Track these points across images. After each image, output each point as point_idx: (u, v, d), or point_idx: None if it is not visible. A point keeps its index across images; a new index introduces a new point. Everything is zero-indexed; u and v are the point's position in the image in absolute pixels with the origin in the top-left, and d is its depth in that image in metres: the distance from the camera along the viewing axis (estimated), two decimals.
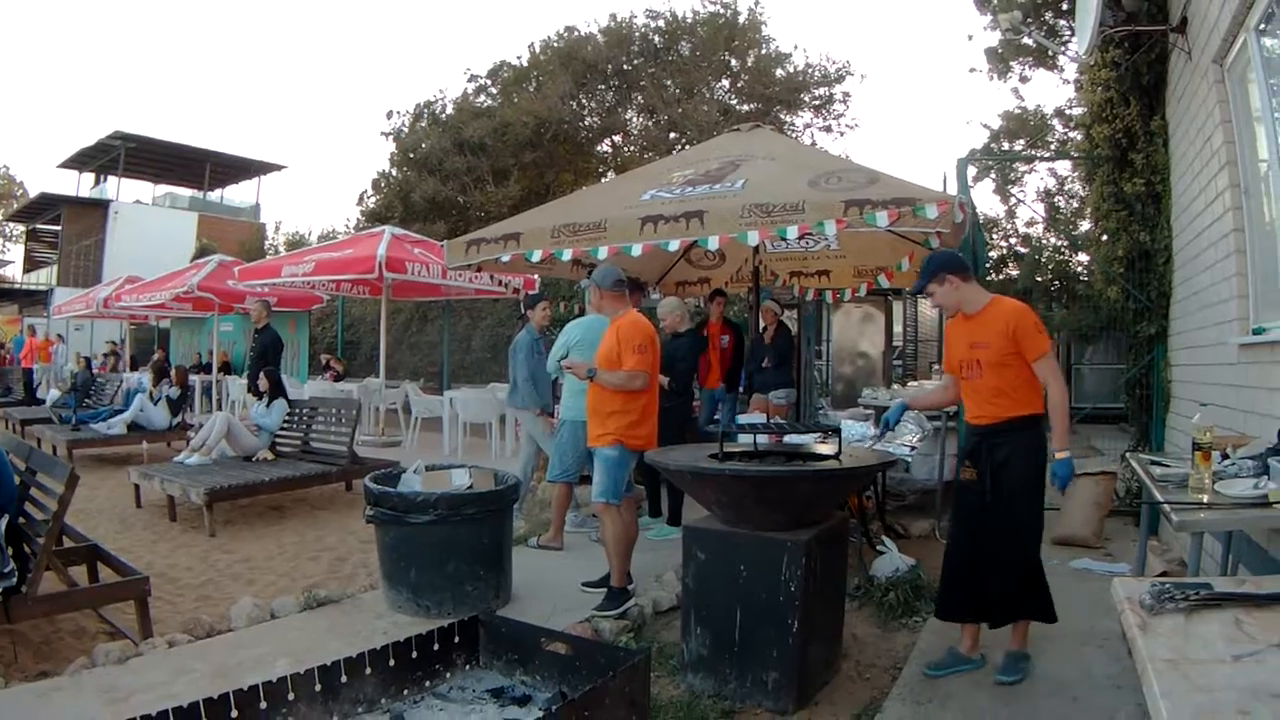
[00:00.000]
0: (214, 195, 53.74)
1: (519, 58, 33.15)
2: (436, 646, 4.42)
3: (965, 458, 6.04)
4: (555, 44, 31.77)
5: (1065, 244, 23.46)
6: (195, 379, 22.01)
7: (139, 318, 29.38)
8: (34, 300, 45.67)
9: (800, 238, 8.76)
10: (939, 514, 9.47)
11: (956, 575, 5.97)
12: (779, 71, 31.83)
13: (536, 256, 8.83)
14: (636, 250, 8.21)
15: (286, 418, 13.12)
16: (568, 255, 8.69)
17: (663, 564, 7.68)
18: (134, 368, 26.97)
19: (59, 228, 48.60)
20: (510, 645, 4.55)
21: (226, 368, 23.30)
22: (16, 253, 60.12)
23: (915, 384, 13.49)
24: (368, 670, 4.11)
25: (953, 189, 10.08)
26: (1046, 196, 26.22)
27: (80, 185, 51.02)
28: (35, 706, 5.15)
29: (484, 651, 4.63)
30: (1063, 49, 18.92)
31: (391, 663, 4.19)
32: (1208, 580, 3.00)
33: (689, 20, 31.44)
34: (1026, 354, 5.62)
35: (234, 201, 55.00)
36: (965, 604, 5.97)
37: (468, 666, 4.58)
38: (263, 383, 13.07)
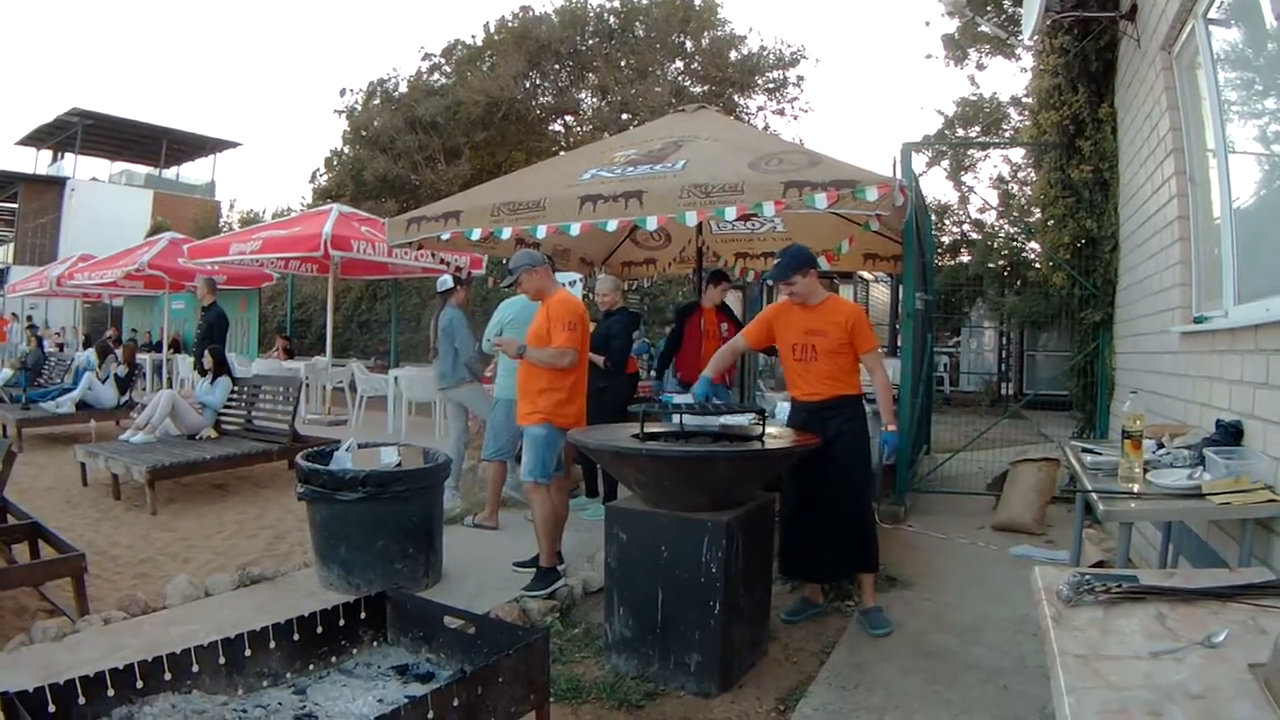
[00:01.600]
0: (170, 173, 53.55)
1: (473, 37, 33.31)
2: (342, 622, 4.41)
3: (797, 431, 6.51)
4: (510, 23, 31.65)
5: (1018, 230, 23.49)
6: (145, 357, 21.86)
7: (92, 296, 29.19)
8: None
9: (743, 219, 8.73)
10: (878, 497, 9.44)
11: (797, 537, 6.54)
12: (733, 54, 31.92)
13: (476, 235, 8.77)
14: (575, 229, 8.17)
15: (231, 395, 13.02)
16: (507, 234, 8.62)
17: (596, 544, 7.58)
18: (87, 346, 26.76)
19: (15, 205, 48.27)
20: (416, 623, 4.53)
21: (177, 346, 23.13)
22: None
23: None
24: (272, 644, 4.08)
25: (900, 174, 10.06)
26: (1000, 183, 26.25)
27: (38, 162, 50.74)
28: None
29: (391, 628, 4.62)
30: (1016, 36, 18.93)
31: (296, 637, 4.18)
32: (1134, 572, 2.94)
33: (644, 1, 31.43)
34: (860, 347, 6.49)
35: (189, 179, 54.81)
36: (805, 565, 6.68)
37: (375, 643, 4.57)
38: (207, 360, 12.96)
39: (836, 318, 6.45)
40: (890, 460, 7.10)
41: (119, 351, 17.13)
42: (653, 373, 11.41)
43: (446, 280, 10.61)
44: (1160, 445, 5.06)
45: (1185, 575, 3.14)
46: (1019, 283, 22.07)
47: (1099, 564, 6.82)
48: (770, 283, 6.53)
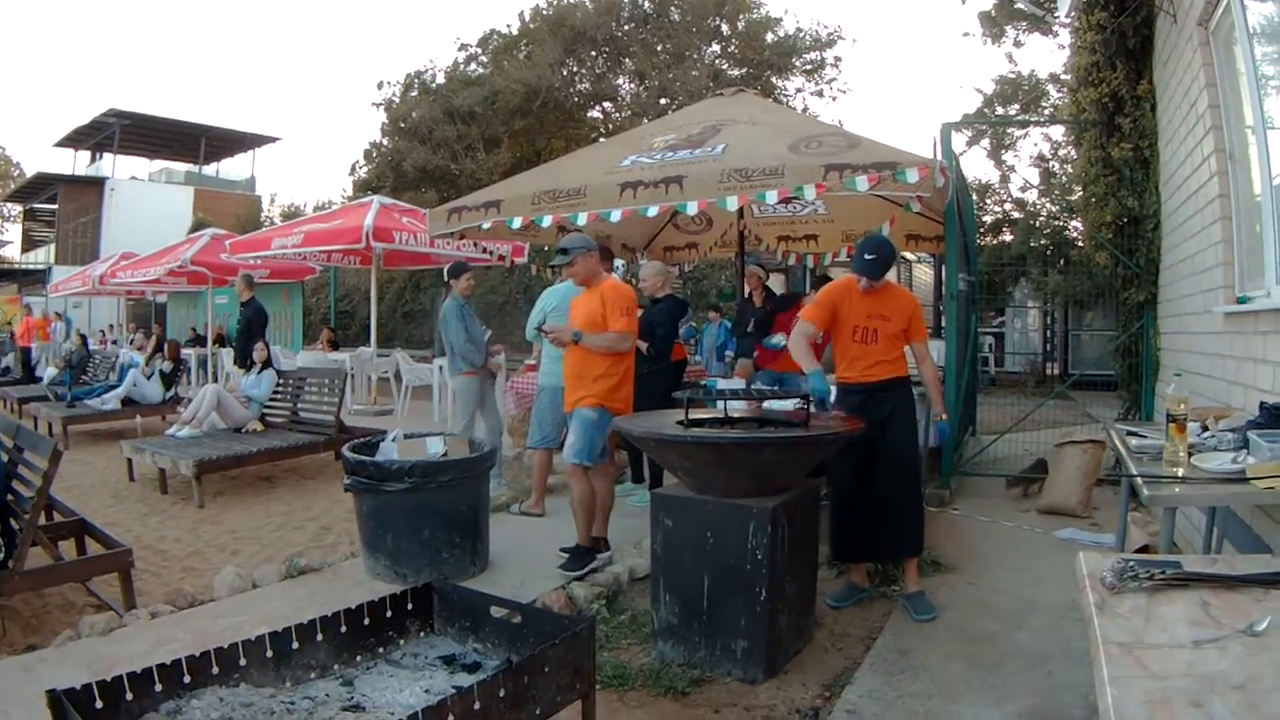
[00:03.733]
0: (209, 169, 53.83)
1: (509, 26, 33.40)
2: (389, 613, 4.44)
3: (850, 414, 6.45)
4: (545, 11, 31.73)
5: (1060, 209, 23.36)
6: (190, 352, 21.99)
7: (135, 293, 29.44)
8: (32, 279, 45.51)
9: (784, 202, 8.72)
10: (924, 481, 9.42)
11: (851, 520, 6.56)
12: (769, 36, 31.75)
13: (517, 224, 8.80)
14: (615, 216, 8.18)
15: (276, 388, 13.11)
16: (548, 221, 8.65)
17: (641, 530, 7.55)
18: (147, 336, 26.96)
19: (56, 206, 48.75)
20: (463, 613, 4.55)
21: (221, 340, 23.26)
22: (14, 232, 60.33)
23: None
24: (319, 636, 4.11)
25: (941, 154, 10.02)
26: (1041, 161, 26.10)
27: (76, 163, 51.18)
28: (21, 679, 5.13)
29: (438, 619, 4.64)
30: (1053, 14, 18.83)
31: (343, 629, 4.21)
32: (1177, 558, 2.90)
33: None
34: (915, 336, 6.70)
35: (229, 175, 55.06)
36: (859, 546, 6.69)
37: (422, 634, 4.59)
38: (259, 353, 13.09)
39: (901, 305, 6.63)
40: (937, 444, 7.15)
41: (166, 347, 17.27)
42: (697, 355, 11.36)
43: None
44: (1204, 428, 5.01)
45: (1229, 561, 3.09)
46: (1062, 262, 21.94)
47: (1144, 548, 6.78)
48: (857, 275, 6.40)
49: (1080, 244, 20.05)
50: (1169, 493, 4.16)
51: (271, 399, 13.03)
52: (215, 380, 19.71)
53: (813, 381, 6.36)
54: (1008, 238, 24.87)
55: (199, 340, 24.64)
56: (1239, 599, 2.54)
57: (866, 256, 6.40)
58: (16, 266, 50.08)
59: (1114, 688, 2.01)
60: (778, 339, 10.21)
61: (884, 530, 6.46)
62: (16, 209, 58.80)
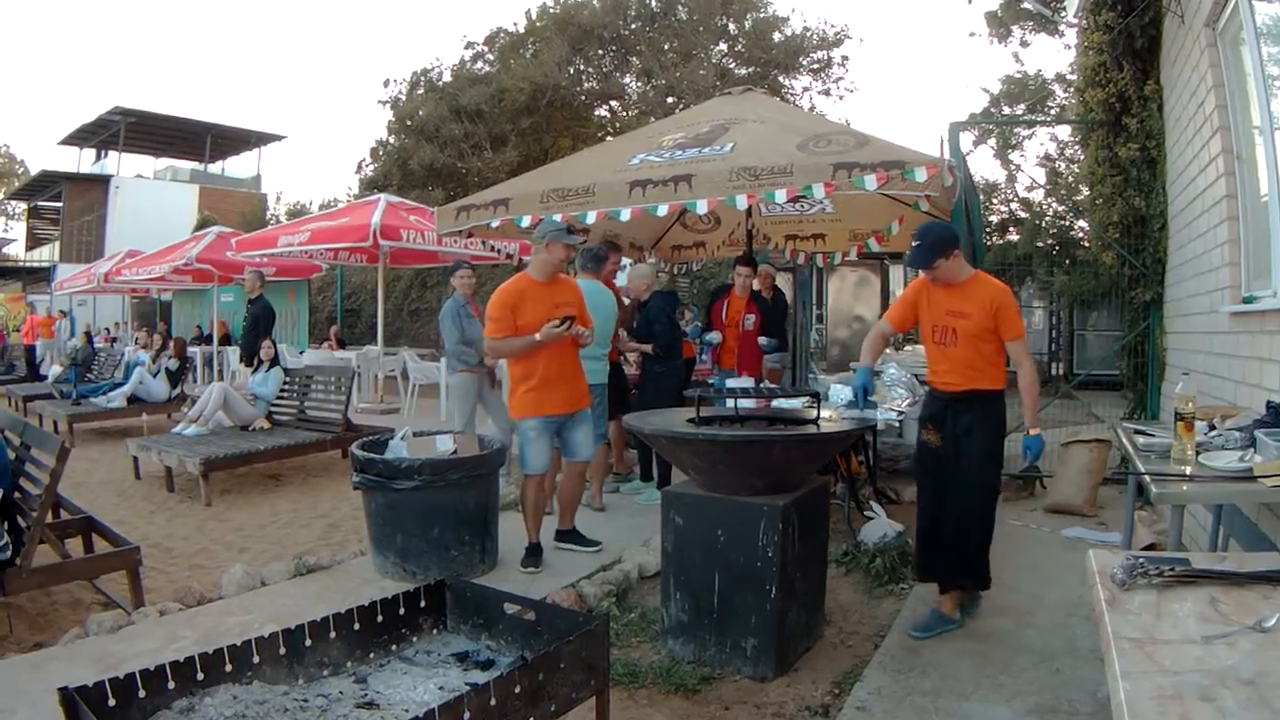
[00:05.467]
0: (215, 167, 53.67)
1: (515, 24, 33.11)
2: (402, 610, 4.44)
3: (928, 421, 6.16)
4: (552, 9, 31.57)
5: (1066, 209, 23.32)
6: (196, 350, 21.99)
7: (140, 291, 29.40)
8: (37, 277, 45.46)
9: (791, 201, 8.72)
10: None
11: (929, 534, 6.15)
12: (776, 35, 31.51)
13: (526, 222, 8.78)
14: (625, 214, 8.17)
15: (283, 386, 13.14)
16: (557, 220, 8.65)
17: (651, 528, 7.62)
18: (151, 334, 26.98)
19: (60, 204, 48.72)
20: (476, 610, 4.57)
21: (227, 339, 23.27)
22: (19, 230, 60.25)
23: (911, 349, 13.35)
24: (332, 634, 4.12)
25: (948, 154, 10.02)
26: (1047, 161, 26.05)
27: (81, 161, 51.07)
28: (29, 677, 5.15)
29: (451, 616, 4.65)
30: (1059, 14, 18.79)
31: (357, 626, 4.21)
32: (1185, 555, 2.93)
33: None
34: (1005, 333, 5.85)
35: (235, 173, 54.83)
36: (939, 562, 6.12)
37: (435, 631, 4.60)
38: (266, 351, 13.10)
39: (980, 298, 5.88)
40: (1026, 461, 6.52)
41: (171, 345, 17.30)
42: (704, 356, 11.41)
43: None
44: (1212, 427, 5.03)
45: (1236, 559, 3.12)
46: (1068, 261, 21.91)
47: (1150, 546, 6.81)
48: (912, 268, 6.10)
49: (1086, 244, 20.01)
50: (1177, 491, 4.19)
51: (279, 397, 13.08)
52: (221, 378, 19.72)
53: (858, 377, 6.22)
54: (1014, 237, 24.81)
55: (204, 339, 24.65)
56: (1247, 596, 2.56)
57: (912, 243, 5.96)
58: (21, 264, 50.00)
59: (1126, 682, 2.03)
60: (714, 335, 10.24)
61: (945, 554, 6.06)
62: (21, 207, 58.89)
